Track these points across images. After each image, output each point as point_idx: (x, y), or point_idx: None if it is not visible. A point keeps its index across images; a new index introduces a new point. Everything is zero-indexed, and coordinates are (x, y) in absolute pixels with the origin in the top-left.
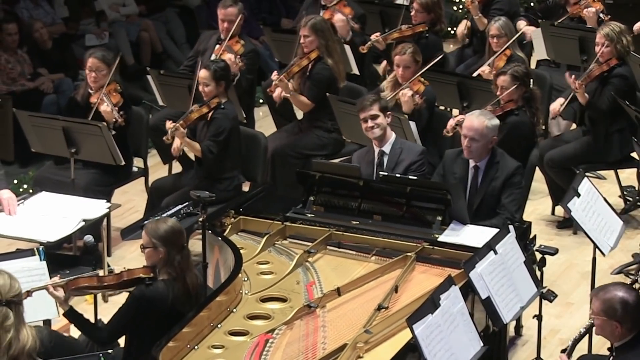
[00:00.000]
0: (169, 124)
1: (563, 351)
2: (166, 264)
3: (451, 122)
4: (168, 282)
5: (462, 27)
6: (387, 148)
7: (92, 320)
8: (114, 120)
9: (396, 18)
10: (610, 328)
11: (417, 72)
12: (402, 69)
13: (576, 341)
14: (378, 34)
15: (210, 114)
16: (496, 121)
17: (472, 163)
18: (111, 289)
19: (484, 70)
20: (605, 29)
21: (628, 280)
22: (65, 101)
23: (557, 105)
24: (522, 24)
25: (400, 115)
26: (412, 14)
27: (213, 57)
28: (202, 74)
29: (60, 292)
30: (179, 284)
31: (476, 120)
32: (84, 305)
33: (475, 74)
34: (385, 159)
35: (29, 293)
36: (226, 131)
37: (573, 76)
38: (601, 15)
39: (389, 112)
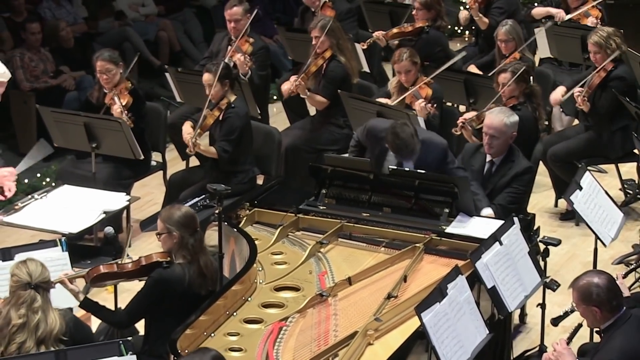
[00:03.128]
0: (186, 136)
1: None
2: (180, 248)
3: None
4: (184, 266)
5: (464, 14)
6: None
7: (112, 308)
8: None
9: (408, 18)
10: (592, 314)
11: (418, 73)
12: (404, 74)
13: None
14: (380, 31)
15: (222, 115)
16: (515, 118)
17: (488, 157)
18: (130, 275)
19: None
20: (593, 37)
21: (624, 271)
22: (85, 97)
23: (558, 95)
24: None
25: (409, 111)
26: (414, 12)
27: (227, 59)
28: (206, 77)
29: (75, 285)
30: (194, 266)
31: (495, 118)
32: (104, 294)
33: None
34: None
35: (51, 284)
36: (238, 129)
37: (577, 89)
38: (599, 26)
39: None
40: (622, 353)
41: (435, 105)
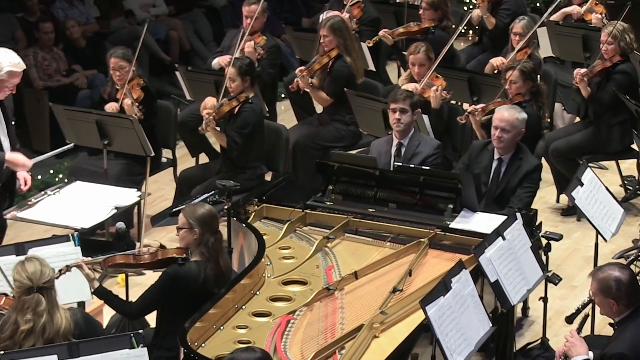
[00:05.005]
0: (204, 111)
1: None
2: (200, 245)
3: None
4: (200, 263)
5: (476, 13)
6: (405, 141)
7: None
8: (134, 114)
9: (410, 17)
10: (608, 306)
11: (431, 69)
12: (417, 67)
13: (578, 311)
14: (386, 29)
15: (238, 108)
16: (525, 115)
17: (496, 155)
18: (146, 267)
19: (503, 62)
20: (609, 27)
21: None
22: (98, 95)
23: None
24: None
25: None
26: (421, 12)
27: (237, 53)
28: (231, 71)
29: (91, 271)
30: (213, 264)
31: (507, 113)
32: (115, 288)
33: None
34: (403, 150)
35: (68, 268)
36: (251, 125)
37: (577, 69)
38: (604, 20)
39: (417, 110)
40: (632, 345)
41: (451, 91)
